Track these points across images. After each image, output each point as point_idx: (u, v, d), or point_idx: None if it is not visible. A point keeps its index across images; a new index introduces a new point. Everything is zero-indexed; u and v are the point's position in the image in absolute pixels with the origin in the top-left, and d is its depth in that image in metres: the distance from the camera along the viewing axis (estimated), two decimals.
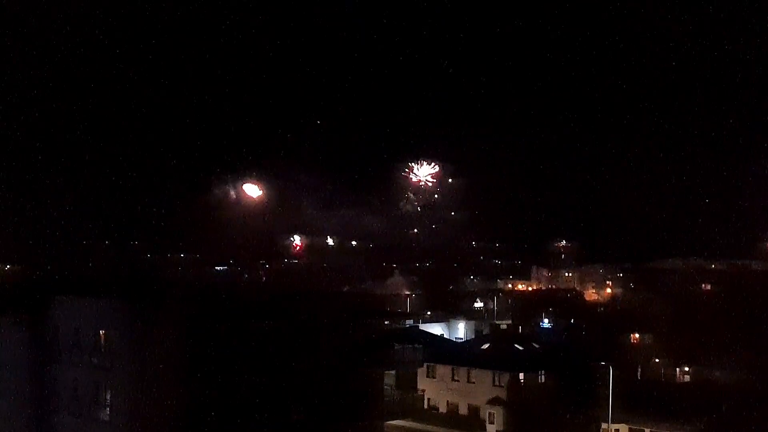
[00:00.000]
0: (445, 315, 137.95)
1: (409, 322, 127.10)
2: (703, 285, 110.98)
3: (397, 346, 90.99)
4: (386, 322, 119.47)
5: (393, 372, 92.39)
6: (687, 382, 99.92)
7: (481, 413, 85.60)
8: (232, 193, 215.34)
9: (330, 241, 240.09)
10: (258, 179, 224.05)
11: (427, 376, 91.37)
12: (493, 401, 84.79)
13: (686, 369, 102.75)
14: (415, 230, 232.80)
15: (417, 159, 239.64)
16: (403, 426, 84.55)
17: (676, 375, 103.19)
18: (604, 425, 74.60)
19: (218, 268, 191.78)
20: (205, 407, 51.00)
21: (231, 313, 55.21)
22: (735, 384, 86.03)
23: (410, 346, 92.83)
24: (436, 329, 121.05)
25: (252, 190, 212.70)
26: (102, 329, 56.56)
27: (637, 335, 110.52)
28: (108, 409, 55.41)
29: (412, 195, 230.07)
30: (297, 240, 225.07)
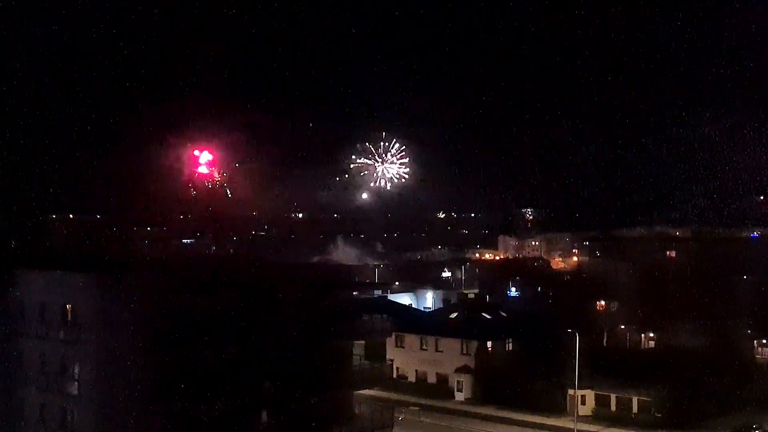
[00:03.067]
0: (414, 285, 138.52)
1: (378, 292, 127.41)
2: (668, 252, 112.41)
3: (365, 317, 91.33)
4: (355, 293, 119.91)
5: (362, 342, 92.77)
6: (651, 348, 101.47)
7: (450, 381, 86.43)
8: (194, 165, 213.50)
9: (298, 214, 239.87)
10: (220, 153, 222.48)
11: (396, 346, 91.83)
12: (461, 369, 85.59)
13: (651, 335, 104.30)
14: (383, 201, 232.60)
15: (384, 132, 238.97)
16: (372, 395, 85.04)
17: (641, 341, 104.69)
18: (570, 391, 75.58)
19: (185, 240, 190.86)
20: (174, 379, 50.88)
21: (198, 286, 54.99)
22: (697, 349, 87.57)
23: (379, 316, 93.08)
24: (404, 299, 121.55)
25: (208, 162, 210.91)
26: (68, 303, 56.12)
27: (602, 303, 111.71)
28: (76, 383, 55.12)
29: (380, 167, 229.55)
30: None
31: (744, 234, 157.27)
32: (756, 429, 67.53)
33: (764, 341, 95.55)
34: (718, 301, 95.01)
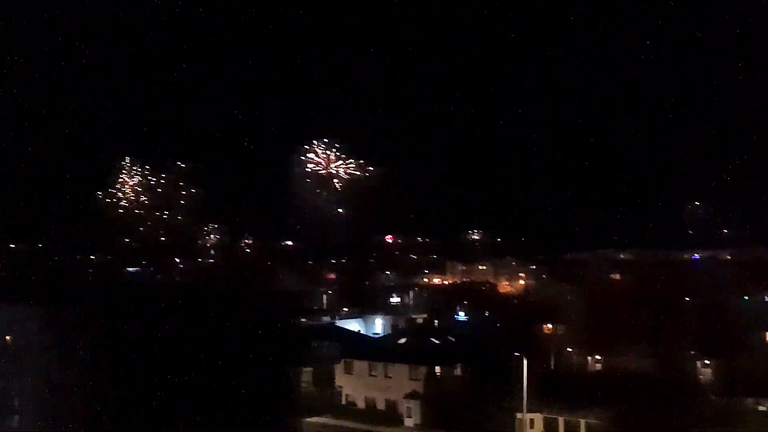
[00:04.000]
0: (362, 311, 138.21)
1: (326, 318, 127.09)
2: (613, 275, 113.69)
3: (314, 344, 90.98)
4: (303, 320, 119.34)
5: (310, 369, 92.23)
6: (598, 371, 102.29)
7: (399, 407, 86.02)
8: (144, 190, 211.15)
9: (245, 240, 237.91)
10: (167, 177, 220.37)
11: (345, 373, 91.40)
12: (411, 395, 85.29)
13: (598, 358, 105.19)
14: (331, 226, 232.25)
15: (329, 153, 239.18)
16: (321, 423, 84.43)
17: (588, 364, 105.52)
18: (519, 415, 75.73)
19: (130, 269, 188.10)
20: (117, 410, 49.96)
21: (143, 315, 54.17)
22: (643, 371, 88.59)
23: (327, 342, 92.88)
24: (353, 325, 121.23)
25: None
26: (8, 335, 54.93)
27: (550, 326, 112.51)
28: (17, 416, 53.84)
29: (326, 193, 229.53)
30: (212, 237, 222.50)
31: (686, 256, 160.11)
32: None
33: (707, 362, 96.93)
34: (663, 323, 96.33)
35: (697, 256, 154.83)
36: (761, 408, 79.69)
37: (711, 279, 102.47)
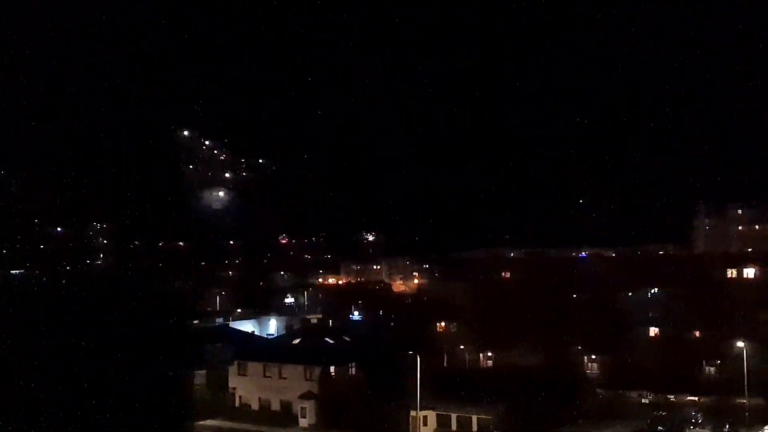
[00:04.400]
0: (256, 312, 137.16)
1: (219, 320, 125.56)
2: (503, 273, 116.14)
3: (206, 346, 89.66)
4: (195, 322, 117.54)
5: (203, 372, 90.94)
6: (490, 367, 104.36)
7: (294, 408, 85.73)
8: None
9: (133, 241, 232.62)
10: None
11: (239, 374, 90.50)
12: (305, 395, 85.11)
13: (489, 354, 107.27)
14: (223, 227, 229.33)
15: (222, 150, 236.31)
16: (214, 426, 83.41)
17: (480, 360, 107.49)
18: (413, 413, 76.50)
19: (13, 272, 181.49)
20: None
21: (25, 319, 52.31)
22: (533, 366, 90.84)
23: (220, 344, 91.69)
24: (246, 326, 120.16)
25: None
26: None
27: (443, 324, 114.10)
28: None
29: (218, 193, 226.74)
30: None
31: (574, 254, 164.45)
32: None
33: (594, 357, 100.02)
34: (552, 319, 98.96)
35: (583, 254, 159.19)
36: (644, 400, 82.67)
37: (597, 276, 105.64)
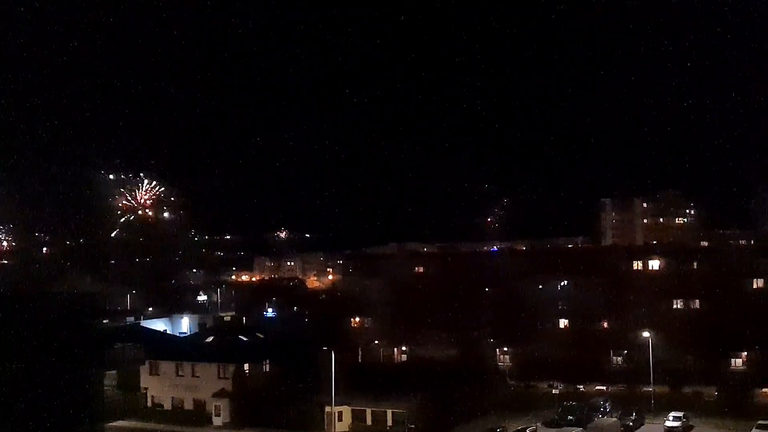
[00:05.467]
0: (168, 310, 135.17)
1: (130, 319, 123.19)
2: (417, 268, 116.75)
3: (117, 345, 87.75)
4: (105, 321, 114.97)
5: (113, 372, 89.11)
6: (404, 361, 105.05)
7: (208, 407, 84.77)
8: None
9: (41, 240, 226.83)
10: None
11: (151, 374, 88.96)
12: (219, 394, 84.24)
13: (403, 349, 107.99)
14: (133, 225, 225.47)
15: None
16: (125, 427, 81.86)
17: (394, 355, 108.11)
18: (327, 408, 76.47)
19: None
20: None
21: None
22: (446, 359, 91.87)
23: (130, 344, 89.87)
24: (158, 325, 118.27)
25: None
26: None
27: (357, 319, 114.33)
28: None
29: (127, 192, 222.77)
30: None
31: (486, 247, 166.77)
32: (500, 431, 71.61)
33: (505, 349, 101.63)
34: (464, 313, 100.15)
35: (495, 248, 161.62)
36: (554, 391, 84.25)
37: (508, 270, 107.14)
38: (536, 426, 74.44)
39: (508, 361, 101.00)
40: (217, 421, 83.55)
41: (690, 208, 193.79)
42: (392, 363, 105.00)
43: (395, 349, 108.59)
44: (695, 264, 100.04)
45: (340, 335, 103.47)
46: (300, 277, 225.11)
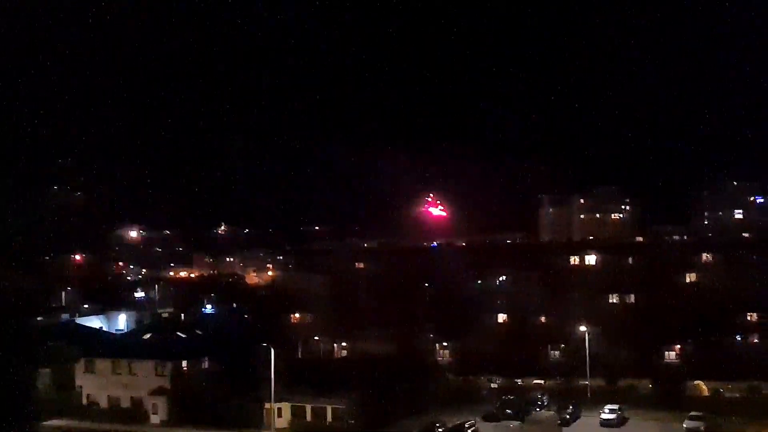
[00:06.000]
0: (105, 307, 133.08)
1: (65, 316, 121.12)
2: (357, 264, 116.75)
3: (51, 343, 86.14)
4: (39, 319, 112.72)
5: (48, 370, 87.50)
6: (344, 357, 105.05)
7: (145, 404, 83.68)
8: None
9: None
10: None
11: (86, 372, 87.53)
12: (157, 391, 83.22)
13: (343, 344, 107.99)
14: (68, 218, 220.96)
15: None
16: (59, 425, 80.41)
17: (334, 351, 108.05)
18: (267, 405, 76.08)
19: None
20: None
21: None
22: (387, 355, 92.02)
23: (65, 342, 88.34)
24: (94, 322, 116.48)
25: None
26: None
27: (297, 316, 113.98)
28: None
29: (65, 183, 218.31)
30: None
31: (426, 244, 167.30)
32: (439, 427, 71.87)
33: (445, 344, 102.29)
34: (404, 309, 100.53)
35: (435, 243, 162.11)
36: (493, 385, 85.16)
37: (448, 265, 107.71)
38: (475, 420, 75.00)
39: (447, 356, 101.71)
40: (154, 419, 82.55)
41: (626, 204, 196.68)
42: (332, 359, 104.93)
43: (335, 344, 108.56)
44: (631, 259, 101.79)
45: (280, 331, 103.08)
46: (239, 273, 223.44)
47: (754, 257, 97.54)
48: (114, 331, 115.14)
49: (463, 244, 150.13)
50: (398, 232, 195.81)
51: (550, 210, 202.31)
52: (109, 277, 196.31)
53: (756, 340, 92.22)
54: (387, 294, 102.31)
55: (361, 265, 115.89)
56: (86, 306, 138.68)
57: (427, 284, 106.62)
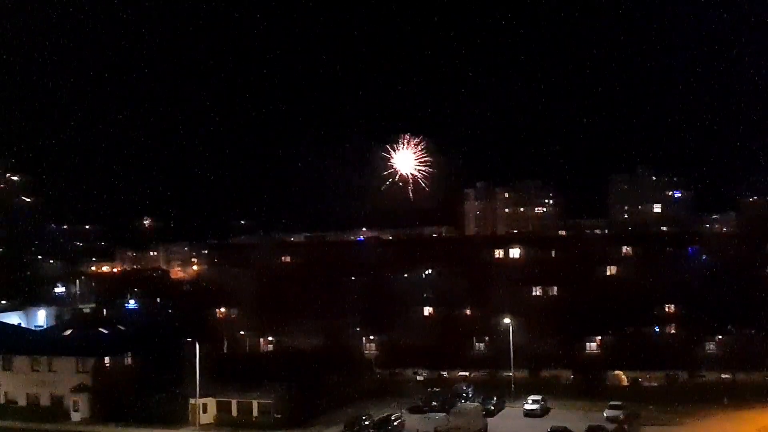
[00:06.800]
0: (23, 302, 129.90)
1: None
2: (283, 258, 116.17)
3: None
4: None
5: None
6: (270, 351, 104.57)
7: (65, 402, 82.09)
8: None
9: None
10: None
11: (4, 369, 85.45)
12: (78, 388, 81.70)
13: (270, 338, 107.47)
14: None
15: None
16: None
17: (260, 345, 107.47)
18: (192, 401, 75.39)
19: None
20: None
21: None
22: (313, 348, 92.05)
23: None
24: (12, 318, 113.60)
25: None
26: None
27: (222, 310, 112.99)
28: None
29: None
30: None
31: (352, 237, 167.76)
32: (366, 419, 72.21)
33: (371, 337, 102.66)
34: (331, 302, 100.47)
35: (361, 237, 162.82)
36: (419, 377, 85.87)
37: (374, 258, 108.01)
38: (401, 412, 75.57)
39: (374, 349, 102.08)
40: (75, 416, 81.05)
41: (549, 198, 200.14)
42: (258, 353, 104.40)
43: (261, 339, 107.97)
44: (553, 252, 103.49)
45: (205, 326, 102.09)
46: (164, 267, 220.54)
47: (672, 250, 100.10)
48: (33, 328, 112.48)
49: (389, 237, 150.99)
50: (324, 225, 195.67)
51: (475, 203, 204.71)
52: (28, 272, 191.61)
53: (673, 331, 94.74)
54: (314, 288, 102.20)
55: (288, 259, 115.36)
56: (4, 302, 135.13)
57: (353, 278, 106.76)
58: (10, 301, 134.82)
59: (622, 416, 71.88)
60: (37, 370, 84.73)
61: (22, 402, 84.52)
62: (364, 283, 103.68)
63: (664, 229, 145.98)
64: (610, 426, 69.18)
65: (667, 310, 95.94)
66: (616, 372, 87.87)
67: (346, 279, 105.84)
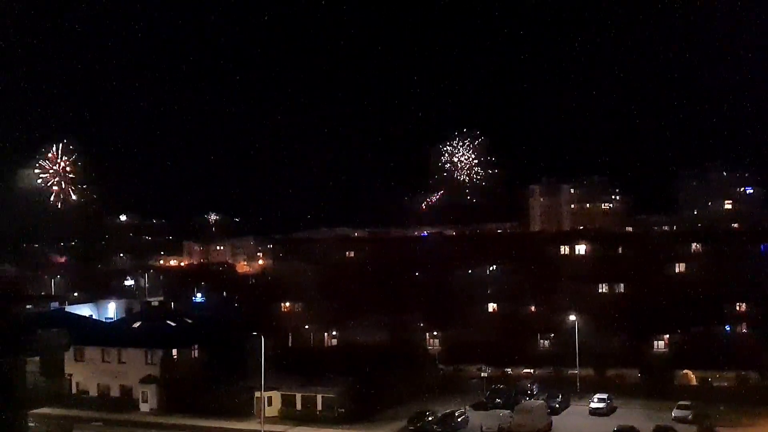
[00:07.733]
0: (94, 295, 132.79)
1: (55, 304, 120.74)
2: (347, 253, 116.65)
3: (40, 331, 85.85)
4: (28, 307, 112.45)
5: (37, 358, 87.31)
6: (334, 346, 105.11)
7: (135, 393, 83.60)
8: None
9: None
10: None
11: (76, 360, 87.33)
12: (146, 380, 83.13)
13: (334, 333, 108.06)
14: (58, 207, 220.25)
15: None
16: (48, 414, 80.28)
17: (324, 340, 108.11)
18: (257, 394, 76.07)
19: None
20: None
21: None
22: (377, 344, 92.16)
23: (55, 330, 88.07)
24: (84, 311, 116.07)
25: None
26: None
27: (287, 304, 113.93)
28: None
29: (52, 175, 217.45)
30: None
31: (416, 233, 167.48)
32: (429, 415, 72.02)
33: (435, 333, 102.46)
34: (394, 298, 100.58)
35: (425, 233, 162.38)
36: (483, 374, 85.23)
37: (438, 255, 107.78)
38: (465, 409, 75.20)
39: (437, 345, 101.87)
40: (144, 407, 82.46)
41: (616, 194, 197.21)
42: (322, 347, 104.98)
43: (325, 333, 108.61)
44: (620, 249, 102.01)
45: (270, 320, 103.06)
46: (230, 261, 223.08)
47: (743, 247, 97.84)
48: (104, 320, 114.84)
49: (454, 233, 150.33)
50: (389, 220, 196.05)
51: (541, 200, 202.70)
52: (99, 266, 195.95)
53: (744, 330, 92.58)
54: (377, 283, 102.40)
55: (352, 254, 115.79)
56: (76, 294, 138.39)
57: (417, 273, 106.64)
58: (83, 293, 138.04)
59: (690, 416, 70.40)
60: (108, 362, 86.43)
61: (93, 392, 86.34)
62: (428, 278, 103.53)
63: (735, 225, 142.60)
64: (679, 426, 67.82)
65: (738, 308, 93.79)
66: (685, 371, 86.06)
67: (410, 275, 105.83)
